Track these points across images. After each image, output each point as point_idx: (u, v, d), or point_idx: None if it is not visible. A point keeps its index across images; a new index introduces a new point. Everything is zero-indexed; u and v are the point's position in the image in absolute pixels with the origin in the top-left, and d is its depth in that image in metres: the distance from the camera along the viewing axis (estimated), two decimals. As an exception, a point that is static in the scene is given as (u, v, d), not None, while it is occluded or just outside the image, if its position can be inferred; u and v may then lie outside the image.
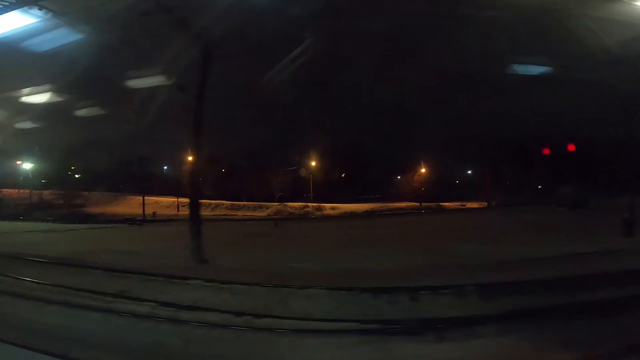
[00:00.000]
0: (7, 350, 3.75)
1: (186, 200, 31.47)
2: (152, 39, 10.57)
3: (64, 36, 9.89)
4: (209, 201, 31.76)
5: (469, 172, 34.30)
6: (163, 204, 32.86)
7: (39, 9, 9.43)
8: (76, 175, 33.43)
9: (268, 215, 30.43)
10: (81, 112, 15.68)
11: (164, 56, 11.21)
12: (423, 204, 32.08)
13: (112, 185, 32.74)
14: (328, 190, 32.37)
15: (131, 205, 33.12)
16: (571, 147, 26.17)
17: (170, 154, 31.94)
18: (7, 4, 9.28)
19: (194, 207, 13.32)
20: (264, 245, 15.28)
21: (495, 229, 17.26)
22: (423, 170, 31.80)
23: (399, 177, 32.75)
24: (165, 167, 33.66)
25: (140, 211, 29.77)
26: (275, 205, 31.25)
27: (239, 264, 10.42)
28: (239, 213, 31.44)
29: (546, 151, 28.14)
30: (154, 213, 29.08)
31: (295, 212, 30.95)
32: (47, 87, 13.00)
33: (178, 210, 30.32)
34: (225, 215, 30.65)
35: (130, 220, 24.45)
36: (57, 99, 13.77)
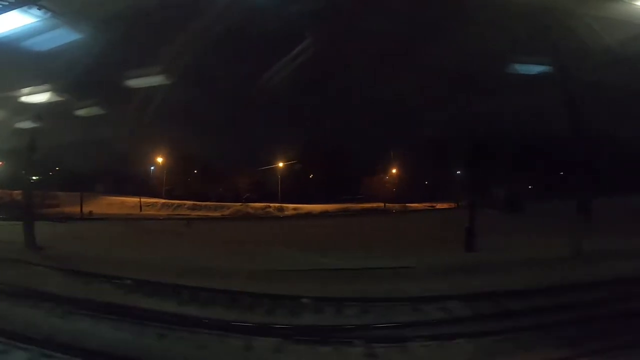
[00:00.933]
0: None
1: (152, 200, 34.13)
2: (149, 38, 10.98)
3: (62, 36, 10.15)
4: (172, 201, 32.72)
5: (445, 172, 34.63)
6: (129, 204, 33.08)
7: (38, 9, 9.75)
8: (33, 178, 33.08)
9: (222, 215, 31.04)
10: (70, 113, 15.76)
11: (160, 55, 11.62)
12: (388, 205, 32.53)
13: (92, 186, 32.74)
14: (299, 191, 33.02)
15: (100, 205, 33.16)
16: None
17: (147, 155, 32.77)
18: (7, 3, 9.53)
19: (28, 201, 15.31)
20: (135, 240, 16.09)
21: (373, 234, 17.34)
22: (394, 171, 32.96)
23: (372, 178, 33.34)
24: (152, 168, 33.89)
25: (109, 210, 30.02)
26: (236, 205, 31.79)
27: (68, 252, 12.48)
28: (199, 213, 31.75)
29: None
30: (90, 212, 29.19)
31: (256, 212, 31.39)
32: (41, 87, 13.02)
33: (141, 210, 31.08)
34: (177, 214, 30.89)
35: (61, 218, 24.36)
36: (46, 99, 13.80)
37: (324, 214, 30.65)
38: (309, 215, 30.40)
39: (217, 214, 31.35)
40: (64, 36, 10.07)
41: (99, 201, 33.79)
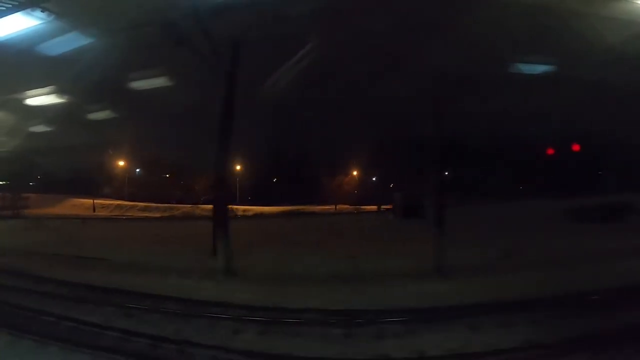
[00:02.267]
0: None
1: (108, 202, 34.93)
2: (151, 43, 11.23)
3: (61, 37, 10.30)
4: (126, 202, 34.88)
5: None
6: (87, 205, 34.37)
7: (41, 11, 9.88)
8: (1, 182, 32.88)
9: (165, 216, 32.17)
10: (50, 118, 15.64)
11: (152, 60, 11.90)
12: (338, 206, 33.11)
13: (65, 188, 33.16)
14: (257, 193, 34.65)
15: (65, 206, 34.17)
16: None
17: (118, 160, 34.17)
18: (10, 5, 9.62)
19: None
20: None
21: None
22: (354, 173, 34.08)
23: (332, 180, 34.11)
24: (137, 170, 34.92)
25: (67, 211, 31.39)
26: (186, 207, 33.16)
27: None
28: (145, 214, 33.42)
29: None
30: (23, 210, 29.45)
31: (202, 213, 31.95)
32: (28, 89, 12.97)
33: (94, 211, 32.75)
34: (122, 215, 32.50)
35: None
36: (30, 102, 13.73)
37: (261, 216, 31.97)
38: (252, 216, 31.65)
39: (158, 214, 32.83)
40: (71, 39, 10.25)
41: (65, 203, 34.80)
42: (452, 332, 6.20)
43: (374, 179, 35.45)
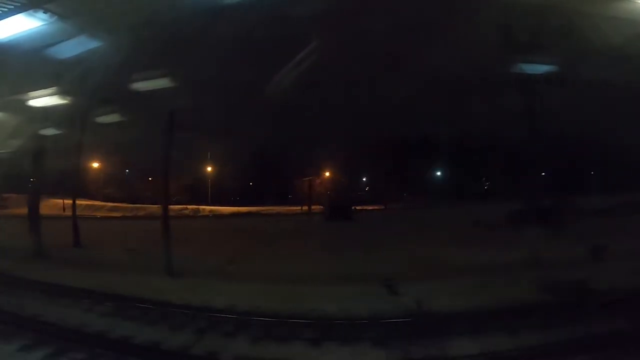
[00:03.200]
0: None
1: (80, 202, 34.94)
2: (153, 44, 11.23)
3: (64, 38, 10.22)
4: (95, 202, 35.87)
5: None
6: (58, 205, 34.17)
7: (44, 12, 9.78)
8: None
9: (127, 215, 33.36)
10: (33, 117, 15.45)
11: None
12: (304, 207, 33.01)
13: (47, 189, 32.99)
14: (230, 193, 35.41)
15: (42, 206, 33.73)
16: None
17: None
18: (12, 7, 9.49)
19: None
20: None
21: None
22: (327, 173, 34.40)
23: (305, 181, 33.67)
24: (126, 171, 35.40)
25: (46, 211, 29.12)
26: (153, 207, 33.12)
27: None
28: (111, 214, 34.73)
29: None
30: None
31: (172, 214, 32.90)
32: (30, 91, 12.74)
33: (64, 211, 32.24)
34: (90, 214, 33.18)
35: None
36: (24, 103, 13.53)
37: (222, 215, 32.76)
38: (213, 216, 32.81)
39: (119, 214, 34.27)
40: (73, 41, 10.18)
41: (43, 203, 34.07)
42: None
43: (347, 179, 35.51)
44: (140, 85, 13.21)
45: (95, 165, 35.37)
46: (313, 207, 32.26)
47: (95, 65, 12.24)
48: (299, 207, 32.78)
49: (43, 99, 13.98)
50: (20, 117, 16.85)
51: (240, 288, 9.59)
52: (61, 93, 13.59)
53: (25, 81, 13.39)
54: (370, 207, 32.00)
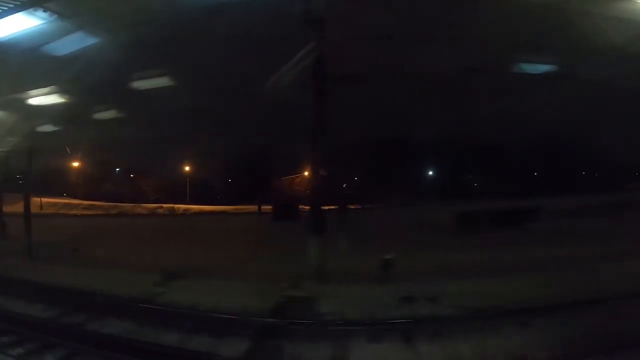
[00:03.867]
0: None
1: (55, 200, 35.06)
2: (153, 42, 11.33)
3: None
4: (73, 201, 36.07)
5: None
6: (35, 203, 31.83)
7: (44, 11, 9.82)
8: None
9: (99, 213, 33.57)
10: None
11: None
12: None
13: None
14: (210, 192, 35.59)
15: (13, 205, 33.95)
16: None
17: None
18: (12, 5, 9.50)
19: None
20: None
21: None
22: (305, 173, 34.46)
23: (282, 181, 33.48)
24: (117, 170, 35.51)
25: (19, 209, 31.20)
26: (128, 206, 34.51)
27: None
28: (83, 212, 34.73)
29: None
30: None
31: (142, 211, 34.05)
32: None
33: (42, 209, 32.82)
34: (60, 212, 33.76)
35: None
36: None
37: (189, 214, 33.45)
38: (181, 214, 33.42)
39: (93, 212, 34.16)
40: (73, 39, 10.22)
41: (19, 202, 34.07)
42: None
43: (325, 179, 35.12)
44: (137, 84, 13.27)
45: (76, 164, 35.27)
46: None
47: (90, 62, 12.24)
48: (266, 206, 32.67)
49: (39, 98, 13.89)
50: (11, 116, 16.61)
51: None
52: (57, 92, 13.52)
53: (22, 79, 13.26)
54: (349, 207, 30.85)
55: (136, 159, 32.70)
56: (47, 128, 18.56)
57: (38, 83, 13.80)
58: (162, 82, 14.28)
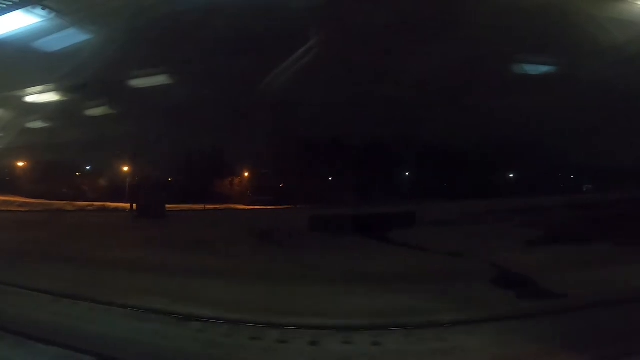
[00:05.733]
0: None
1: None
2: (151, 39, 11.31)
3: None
4: (8, 198, 32.60)
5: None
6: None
7: (42, 9, 9.78)
8: None
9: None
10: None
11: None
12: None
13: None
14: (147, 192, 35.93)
15: None
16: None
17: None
18: (10, 3, 9.44)
19: None
20: None
21: None
22: (246, 174, 34.58)
23: (223, 181, 34.43)
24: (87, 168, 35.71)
25: None
26: (60, 203, 32.34)
27: None
28: (20, 209, 32.13)
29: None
30: None
31: (75, 210, 31.63)
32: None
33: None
34: None
35: None
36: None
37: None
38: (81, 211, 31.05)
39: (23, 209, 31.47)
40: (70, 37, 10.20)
41: None
42: None
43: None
44: (135, 82, 13.29)
45: (21, 163, 36.14)
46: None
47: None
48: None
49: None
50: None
51: None
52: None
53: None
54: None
55: (84, 159, 32.95)
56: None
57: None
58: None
